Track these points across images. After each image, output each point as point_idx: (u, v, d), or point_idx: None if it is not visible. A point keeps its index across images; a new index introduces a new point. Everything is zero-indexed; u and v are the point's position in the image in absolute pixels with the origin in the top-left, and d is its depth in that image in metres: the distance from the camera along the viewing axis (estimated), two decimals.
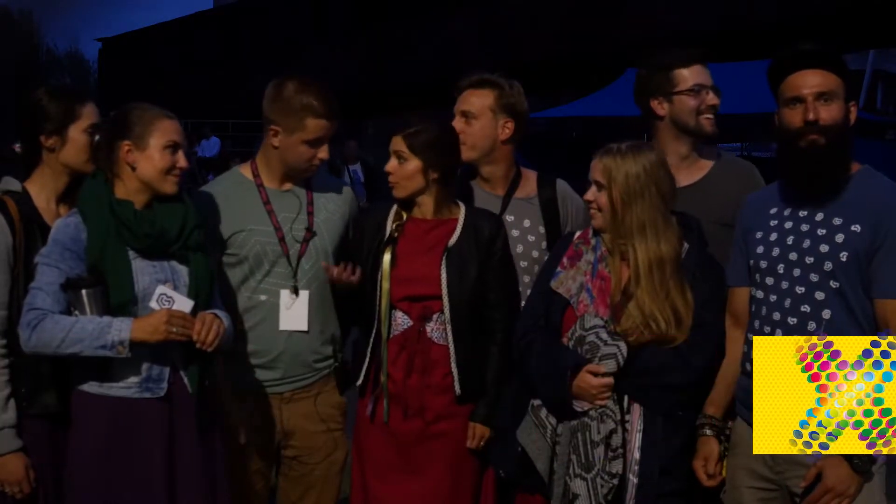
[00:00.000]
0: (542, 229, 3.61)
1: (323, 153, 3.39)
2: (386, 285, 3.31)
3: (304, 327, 3.41)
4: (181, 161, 3.04)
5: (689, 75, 3.46)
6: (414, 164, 3.34)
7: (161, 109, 3.06)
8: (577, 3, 20.52)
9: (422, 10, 24.15)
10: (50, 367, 3.00)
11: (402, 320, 3.35)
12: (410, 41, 24.14)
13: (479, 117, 3.57)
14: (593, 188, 3.11)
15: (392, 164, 3.35)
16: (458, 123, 3.57)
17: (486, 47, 20.96)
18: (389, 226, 3.39)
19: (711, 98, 3.47)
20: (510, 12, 21.76)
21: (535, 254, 3.55)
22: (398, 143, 3.36)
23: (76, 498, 2.97)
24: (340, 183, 3.68)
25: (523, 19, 21.30)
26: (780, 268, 2.89)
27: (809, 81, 2.83)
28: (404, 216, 3.40)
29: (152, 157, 3.00)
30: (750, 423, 2.96)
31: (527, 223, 3.60)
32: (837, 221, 2.80)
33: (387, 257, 3.33)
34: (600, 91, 18.24)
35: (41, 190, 3.15)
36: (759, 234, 2.98)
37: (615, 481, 2.98)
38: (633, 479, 3.00)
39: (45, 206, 3.14)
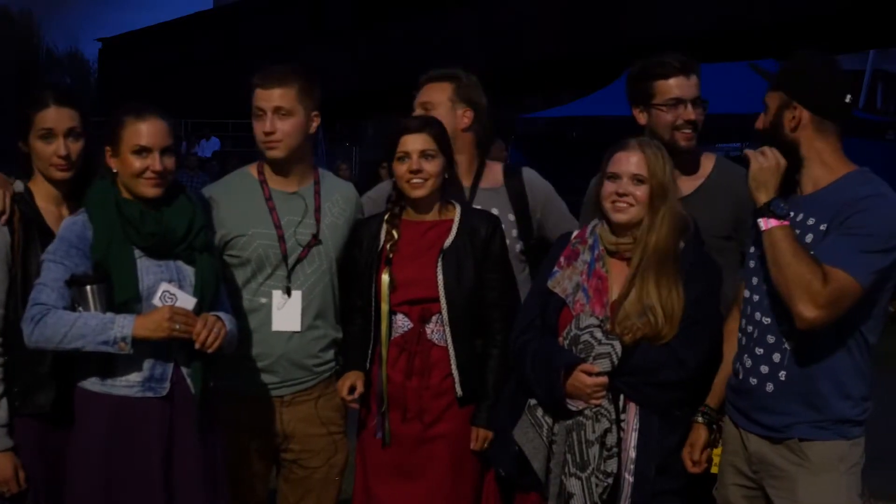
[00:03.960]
0: (511, 217, 3.62)
1: (266, 125, 3.36)
2: (386, 291, 3.31)
3: (297, 327, 3.40)
4: (155, 164, 2.99)
5: (666, 88, 3.36)
6: (440, 160, 3.33)
7: (142, 111, 3.02)
8: (577, 4, 20.49)
9: (421, 10, 24.12)
10: (48, 367, 3.00)
11: (402, 323, 3.35)
12: (410, 41, 24.09)
13: (438, 108, 3.60)
14: (626, 182, 3.08)
15: (423, 163, 3.30)
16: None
17: (486, 47, 20.91)
18: (383, 234, 3.38)
19: (688, 112, 3.35)
20: (510, 12, 21.71)
21: (507, 241, 3.53)
22: (426, 141, 3.31)
23: (76, 496, 2.98)
24: (346, 185, 3.69)
25: (523, 19, 21.25)
26: (766, 269, 2.89)
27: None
28: (398, 222, 3.38)
29: (124, 161, 3.01)
30: (736, 423, 2.97)
31: (495, 212, 3.59)
32: (811, 221, 2.81)
33: (385, 266, 3.32)
34: (600, 91, 18.22)
35: (42, 190, 3.16)
36: (754, 234, 3.00)
37: (610, 480, 3.00)
38: (628, 478, 3.02)
39: (46, 207, 3.14)
